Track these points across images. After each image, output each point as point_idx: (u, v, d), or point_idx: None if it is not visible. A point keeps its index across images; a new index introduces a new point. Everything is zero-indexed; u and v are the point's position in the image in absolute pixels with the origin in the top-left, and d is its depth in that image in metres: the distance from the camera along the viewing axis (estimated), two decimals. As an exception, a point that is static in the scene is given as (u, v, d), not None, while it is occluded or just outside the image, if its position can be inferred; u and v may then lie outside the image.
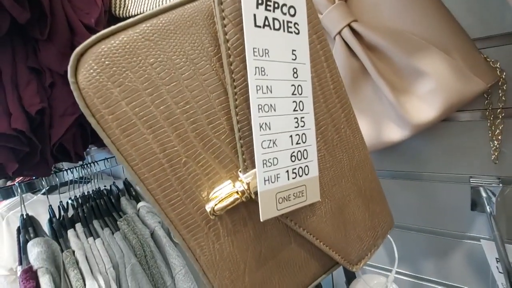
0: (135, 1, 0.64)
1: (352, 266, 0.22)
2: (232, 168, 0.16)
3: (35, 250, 0.55)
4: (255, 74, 0.14)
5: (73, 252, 0.61)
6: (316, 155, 0.18)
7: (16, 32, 0.53)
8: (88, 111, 0.14)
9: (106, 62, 0.13)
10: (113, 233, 0.70)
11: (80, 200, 0.75)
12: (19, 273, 0.54)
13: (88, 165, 0.74)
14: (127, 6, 0.63)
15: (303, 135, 0.17)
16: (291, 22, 0.16)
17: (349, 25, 0.33)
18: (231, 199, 0.15)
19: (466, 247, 0.38)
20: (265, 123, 0.15)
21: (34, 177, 0.67)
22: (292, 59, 0.16)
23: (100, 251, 0.64)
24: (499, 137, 0.32)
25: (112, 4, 0.64)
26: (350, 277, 0.35)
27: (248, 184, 0.15)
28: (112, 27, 0.14)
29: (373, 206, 0.24)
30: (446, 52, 0.31)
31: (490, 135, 0.32)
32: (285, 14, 0.16)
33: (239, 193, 0.15)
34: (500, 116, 0.31)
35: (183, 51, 0.15)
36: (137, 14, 0.62)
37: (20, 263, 0.56)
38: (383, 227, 0.25)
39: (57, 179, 0.67)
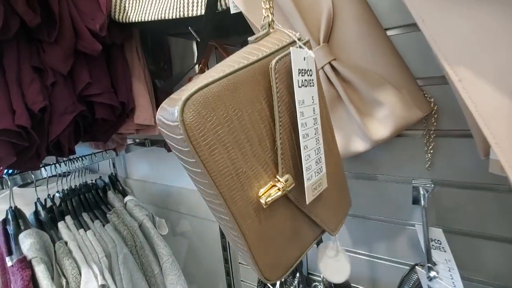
0: (135, 9, 0.67)
1: (333, 232, 0.32)
2: (271, 175, 0.24)
3: (28, 241, 0.56)
4: (300, 116, 0.23)
5: (66, 242, 0.62)
6: (324, 159, 0.27)
7: (22, 32, 0.54)
8: (188, 139, 0.20)
9: (202, 106, 0.20)
10: (103, 225, 0.72)
11: (68, 193, 0.76)
12: (9, 264, 0.54)
13: (76, 159, 0.75)
14: (127, 12, 0.67)
15: (319, 148, 0.26)
16: (311, 80, 0.25)
17: (329, 63, 0.42)
18: (276, 194, 0.23)
19: (408, 232, 0.51)
20: (305, 145, 0.23)
21: (18, 171, 0.67)
22: (312, 102, 0.25)
23: (92, 242, 0.66)
24: (431, 151, 0.45)
25: (112, 8, 0.66)
26: (318, 242, 0.45)
27: (285, 183, 0.24)
28: (205, 81, 0.21)
29: (343, 192, 0.34)
30: (397, 88, 0.42)
31: (425, 149, 0.45)
32: (308, 75, 0.24)
33: (280, 189, 0.24)
34: (432, 136, 0.44)
35: (247, 97, 0.22)
36: (137, 21, 0.65)
37: (9, 253, 0.56)
38: (347, 206, 0.35)
39: (46, 173, 0.68)
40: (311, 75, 0.25)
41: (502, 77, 0.25)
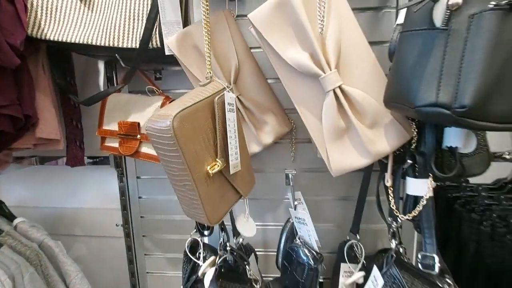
0: (54, 28, 0.74)
1: (245, 195, 0.55)
2: (214, 158, 0.45)
3: None
4: (228, 127, 0.45)
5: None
6: (239, 153, 0.50)
7: None
8: (175, 137, 0.39)
9: (185, 119, 0.39)
10: (-2, 249, 0.68)
11: None
12: None
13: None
14: (43, 29, 0.73)
15: (236, 146, 0.49)
16: (233, 109, 0.48)
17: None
18: (216, 169, 0.44)
19: (284, 203, 0.80)
20: (230, 142, 0.45)
21: None
22: (234, 120, 0.48)
23: (-10, 266, 0.63)
24: (294, 151, 0.76)
25: (29, 24, 0.70)
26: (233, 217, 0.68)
27: (221, 163, 0.45)
28: (183, 106, 0.40)
29: (250, 173, 0.58)
30: (274, 113, 0.71)
31: (291, 150, 0.76)
32: (231, 106, 0.47)
33: (219, 166, 0.45)
34: (294, 142, 0.75)
35: (202, 116, 0.43)
36: (54, 40, 0.72)
37: None
38: (253, 183, 0.60)
39: None
40: (233, 106, 0.47)
41: (317, 112, 0.54)
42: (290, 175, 0.75)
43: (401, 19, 0.47)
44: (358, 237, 0.68)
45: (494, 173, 0.95)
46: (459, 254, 0.81)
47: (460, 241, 0.81)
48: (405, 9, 0.44)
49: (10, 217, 0.81)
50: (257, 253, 0.77)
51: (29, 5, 0.70)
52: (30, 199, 0.98)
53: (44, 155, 0.98)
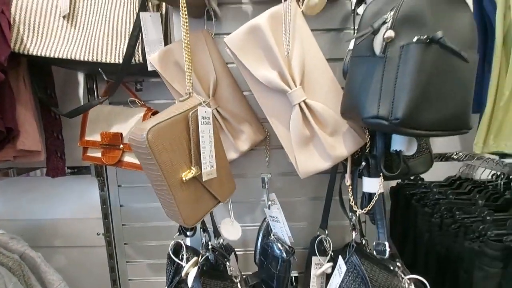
0: (36, 43, 0.77)
1: (223, 201, 0.61)
2: (189, 166, 0.51)
3: None
4: (201, 138, 0.51)
5: None
6: (215, 161, 0.56)
7: None
8: (150, 149, 0.44)
9: (159, 132, 0.45)
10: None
11: None
12: None
13: None
14: (25, 44, 0.76)
15: (212, 155, 0.55)
16: (208, 121, 0.54)
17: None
18: (190, 175, 0.50)
19: (261, 205, 0.86)
20: (203, 152, 0.51)
21: None
22: (209, 131, 0.54)
23: (-28, 279, 0.64)
24: (268, 157, 0.83)
25: (11, 39, 0.73)
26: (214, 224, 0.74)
27: (195, 170, 0.51)
28: (160, 120, 0.46)
29: (229, 180, 0.65)
30: (250, 123, 0.77)
31: (265, 156, 0.83)
32: (206, 119, 0.53)
33: (192, 173, 0.50)
34: (268, 149, 0.82)
35: (178, 128, 0.49)
36: (39, 55, 0.76)
37: None
38: (233, 188, 0.66)
39: None
40: (208, 118, 0.53)
41: (286, 123, 0.62)
42: (266, 179, 0.82)
43: (351, 46, 0.56)
44: (326, 232, 0.76)
45: (445, 171, 1.09)
46: (416, 244, 0.92)
47: (416, 232, 0.92)
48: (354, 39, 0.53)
49: (-15, 231, 0.81)
50: (236, 252, 0.82)
51: (11, 21, 0.73)
52: (9, 212, 0.98)
53: (21, 166, 0.98)
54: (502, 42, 0.69)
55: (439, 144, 1.13)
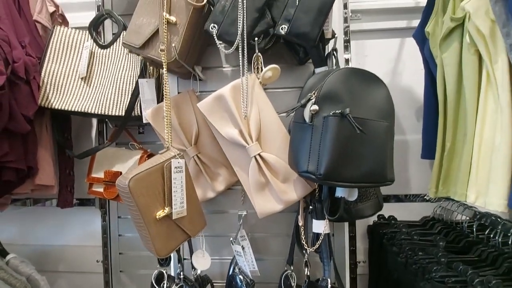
0: (58, 99, 0.95)
1: (193, 236, 0.72)
2: (162, 206, 0.63)
3: None
4: (172, 184, 0.64)
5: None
6: (185, 199, 0.68)
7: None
8: (131, 194, 0.57)
9: (138, 180, 0.58)
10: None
11: None
12: None
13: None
14: (50, 100, 0.94)
15: (183, 198, 0.67)
16: (181, 170, 0.67)
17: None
18: (163, 214, 0.62)
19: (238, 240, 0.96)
20: (174, 195, 0.64)
21: None
22: (181, 178, 0.67)
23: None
24: (244, 196, 0.94)
25: (39, 97, 0.91)
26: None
27: (168, 210, 0.63)
28: (140, 170, 0.59)
29: (200, 217, 0.76)
30: (226, 167, 0.90)
31: (241, 194, 0.94)
32: (179, 168, 0.66)
33: (165, 212, 0.63)
34: (243, 189, 0.94)
35: (155, 177, 0.62)
36: (60, 109, 0.95)
37: None
38: (203, 225, 0.77)
39: None
40: (180, 168, 0.67)
41: (246, 170, 0.74)
42: (242, 215, 0.93)
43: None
44: (292, 268, 0.83)
45: (422, 211, 1.14)
46: (388, 281, 0.96)
47: (388, 270, 0.96)
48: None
49: (3, 253, 0.95)
50: (214, 284, 0.91)
51: (40, 83, 0.93)
52: (22, 237, 1.12)
53: (37, 197, 1.14)
54: (444, 100, 0.79)
55: (416, 186, 1.20)
